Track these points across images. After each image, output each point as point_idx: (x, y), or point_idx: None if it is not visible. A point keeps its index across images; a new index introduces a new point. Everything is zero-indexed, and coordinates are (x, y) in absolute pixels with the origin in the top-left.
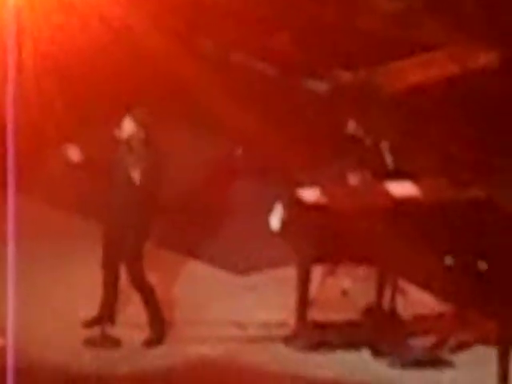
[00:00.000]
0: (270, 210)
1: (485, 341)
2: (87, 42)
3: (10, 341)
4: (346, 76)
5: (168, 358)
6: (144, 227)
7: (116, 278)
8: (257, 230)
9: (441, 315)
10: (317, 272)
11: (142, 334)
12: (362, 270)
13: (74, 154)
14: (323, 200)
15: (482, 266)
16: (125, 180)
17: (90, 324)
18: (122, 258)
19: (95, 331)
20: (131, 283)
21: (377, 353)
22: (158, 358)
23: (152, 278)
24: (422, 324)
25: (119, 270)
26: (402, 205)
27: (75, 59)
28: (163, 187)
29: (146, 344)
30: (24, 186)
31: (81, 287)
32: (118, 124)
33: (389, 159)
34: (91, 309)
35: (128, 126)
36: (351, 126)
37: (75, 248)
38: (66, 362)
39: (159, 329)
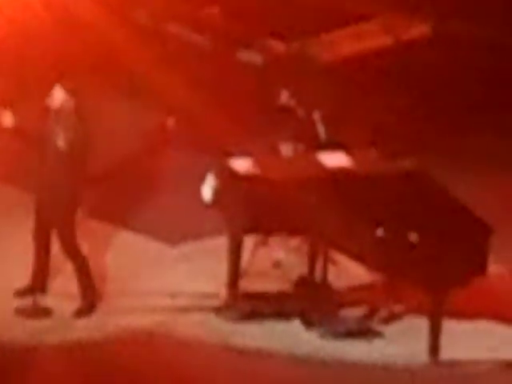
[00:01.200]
0: (202, 181)
1: (416, 312)
2: (19, 11)
3: None
4: (279, 47)
5: (99, 329)
6: (73, 196)
7: (47, 248)
8: (189, 201)
9: (372, 286)
10: (249, 243)
11: (74, 304)
12: (294, 241)
13: (7, 119)
14: (255, 170)
15: (413, 237)
16: (54, 149)
17: (21, 294)
18: (54, 226)
19: (27, 301)
20: (64, 252)
21: (308, 323)
22: (89, 328)
23: (83, 248)
24: (354, 295)
25: (50, 240)
26: (334, 176)
27: (7, 28)
28: (94, 156)
29: (76, 314)
30: None
31: (13, 257)
32: (50, 93)
33: (321, 130)
34: (24, 279)
35: (58, 95)
36: (284, 97)
37: (7, 217)
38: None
39: (90, 299)
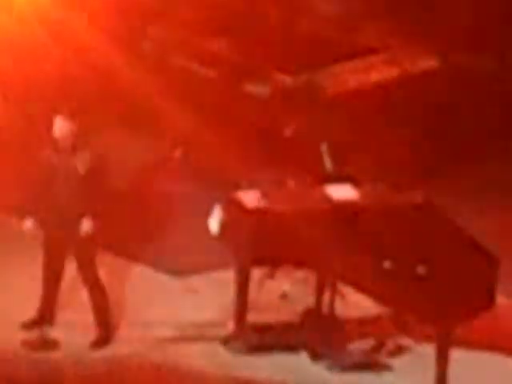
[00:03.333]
0: (209, 213)
1: (423, 344)
2: (26, 42)
3: None
4: (285, 79)
5: (106, 360)
6: (95, 224)
7: (58, 279)
8: (196, 233)
9: (379, 319)
10: (256, 275)
11: (82, 335)
12: (301, 273)
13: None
14: (262, 203)
15: (421, 270)
16: (63, 180)
17: (28, 326)
18: (76, 258)
19: (33, 333)
20: (83, 281)
21: (315, 356)
22: (98, 359)
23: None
24: (361, 327)
25: (62, 271)
26: (340, 208)
27: (14, 59)
28: (103, 188)
29: (93, 345)
30: None
31: (19, 289)
32: (52, 124)
33: (328, 163)
34: (28, 311)
35: (59, 124)
36: (290, 129)
37: (11, 250)
38: (4, 365)
39: (106, 330)
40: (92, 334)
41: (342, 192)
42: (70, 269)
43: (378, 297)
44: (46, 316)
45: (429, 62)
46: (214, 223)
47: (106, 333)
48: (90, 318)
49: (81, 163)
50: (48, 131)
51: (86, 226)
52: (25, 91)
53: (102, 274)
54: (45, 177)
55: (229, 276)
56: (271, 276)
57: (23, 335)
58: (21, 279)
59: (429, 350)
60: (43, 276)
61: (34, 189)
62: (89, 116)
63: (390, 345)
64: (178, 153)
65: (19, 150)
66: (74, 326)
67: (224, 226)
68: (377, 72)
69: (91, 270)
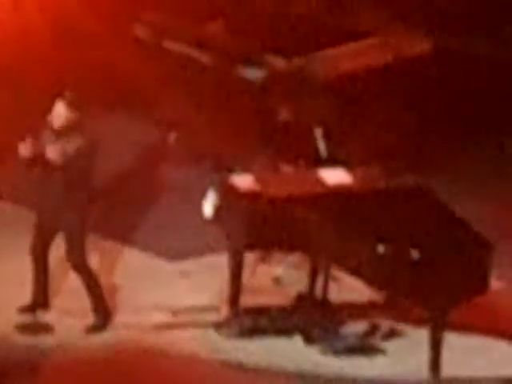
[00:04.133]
0: (202, 197)
1: (417, 328)
2: (20, 27)
3: None
4: (279, 63)
5: (101, 345)
6: (82, 212)
7: (45, 264)
8: (189, 217)
9: (373, 302)
10: (249, 259)
11: (76, 320)
12: (294, 258)
13: (24, 149)
14: (256, 187)
15: (414, 254)
16: (57, 165)
17: (23, 311)
18: (64, 241)
19: (27, 318)
20: (72, 267)
21: (309, 340)
22: (91, 345)
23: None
24: (354, 311)
25: (48, 256)
26: (334, 192)
27: (7, 45)
28: (95, 172)
29: (89, 330)
30: None
31: (12, 274)
32: (51, 108)
33: (322, 146)
34: (23, 296)
35: (60, 110)
36: (284, 113)
37: (6, 235)
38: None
39: (104, 315)
40: (87, 319)
41: (335, 176)
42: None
43: (371, 281)
44: (39, 300)
45: (423, 46)
46: (207, 207)
47: (102, 318)
48: (85, 303)
49: (73, 148)
50: (42, 116)
51: (77, 209)
52: (18, 76)
53: (95, 258)
54: (38, 162)
55: (222, 260)
56: (264, 260)
57: (18, 320)
58: (16, 264)
59: (422, 335)
60: (32, 260)
61: (28, 173)
62: (84, 101)
63: (384, 329)
64: (172, 137)
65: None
66: (69, 311)
67: (217, 209)
68: (371, 56)
69: (80, 254)
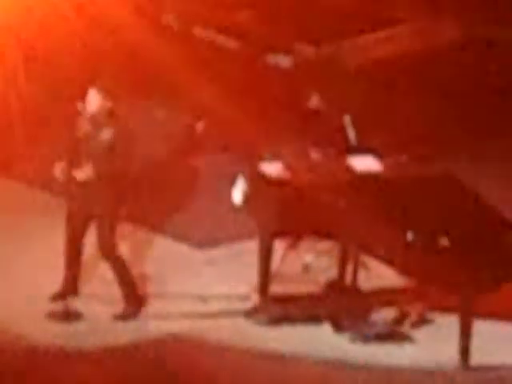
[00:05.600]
0: (232, 184)
1: (446, 316)
2: (50, 15)
3: None
4: (309, 50)
5: (132, 333)
6: (115, 200)
7: (79, 252)
8: (219, 204)
9: (402, 290)
10: (278, 246)
11: (107, 308)
12: (324, 245)
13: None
14: (285, 174)
15: (444, 241)
16: (93, 151)
17: (55, 298)
18: (96, 227)
19: (58, 305)
20: (102, 254)
21: (338, 327)
22: (121, 332)
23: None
24: (384, 298)
25: (83, 243)
26: (363, 180)
27: (37, 32)
28: (129, 160)
29: (120, 318)
30: None
31: (43, 262)
32: (83, 97)
33: (351, 134)
34: (55, 283)
35: (94, 98)
36: (314, 101)
37: (38, 222)
38: (31, 336)
39: (134, 302)
40: (116, 306)
41: (365, 164)
42: (93, 242)
43: (401, 268)
44: (70, 288)
45: (453, 34)
46: (237, 194)
47: (133, 306)
48: (114, 290)
49: (107, 136)
50: (74, 105)
51: (109, 198)
52: (48, 65)
53: (125, 246)
54: (71, 150)
55: (252, 248)
56: (294, 247)
57: (49, 307)
58: (45, 250)
59: (452, 322)
60: (65, 248)
61: (61, 162)
62: (114, 89)
63: (413, 316)
64: (201, 125)
65: (45, 124)
66: (99, 299)
67: (247, 197)
68: (400, 43)
69: (111, 243)
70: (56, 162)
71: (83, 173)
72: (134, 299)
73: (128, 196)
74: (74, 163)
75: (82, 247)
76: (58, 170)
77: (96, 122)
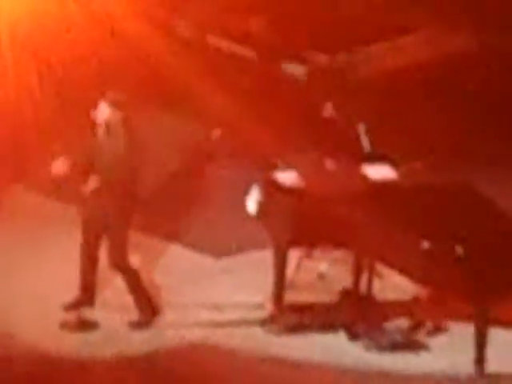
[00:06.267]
0: (247, 193)
1: (462, 324)
2: (64, 24)
3: None
4: (323, 59)
5: (147, 342)
6: (126, 211)
7: (95, 261)
8: (234, 213)
9: (417, 299)
10: (293, 255)
11: (123, 316)
12: (338, 254)
13: (58, 167)
14: (300, 183)
15: (459, 250)
16: (104, 161)
17: (69, 307)
18: (106, 240)
19: (73, 314)
20: (112, 265)
21: (353, 336)
22: (138, 341)
23: (134, 261)
24: (399, 307)
25: (98, 253)
26: (378, 188)
27: (52, 42)
28: (141, 170)
29: (134, 326)
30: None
31: (58, 271)
32: (95, 107)
33: (366, 143)
34: (69, 292)
35: (104, 109)
36: (328, 110)
37: (52, 231)
38: (45, 345)
39: (148, 311)
40: (131, 315)
41: (379, 172)
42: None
43: (416, 277)
44: (85, 298)
45: (466, 43)
46: (251, 203)
47: (146, 315)
48: (129, 299)
49: (118, 147)
50: (87, 115)
51: (121, 209)
52: (63, 76)
53: (140, 256)
54: (84, 160)
55: (266, 257)
56: (309, 256)
57: (63, 317)
58: (60, 262)
59: (467, 331)
60: (81, 258)
61: (74, 172)
62: (128, 98)
63: (428, 324)
64: (216, 133)
65: (58, 134)
66: (114, 308)
67: (262, 206)
68: (414, 52)
69: (121, 254)
70: (55, 160)
71: (89, 185)
72: (148, 308)
73: (141, 206)
74: (85, 172)
75: (98, 257)
76: (56, 167)
77: (108, 131)
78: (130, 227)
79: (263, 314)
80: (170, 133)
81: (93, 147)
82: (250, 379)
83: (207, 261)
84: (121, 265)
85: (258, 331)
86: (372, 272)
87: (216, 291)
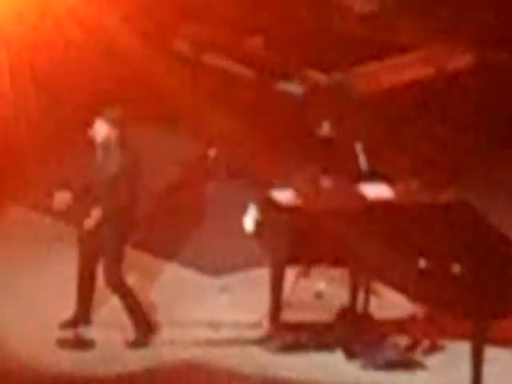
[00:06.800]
0: (243, 212)
1: (458, 342)
2: (61, 43)
3: None
4: (320, 78)
5: (143, 360)
6: (123, 229)
7: (92, 279)
8: (231, 232)
9: (414, 317)
10: (290, 273)
11: (119, 335)
12: (335, 272)
13: (59, 201)
14: (297, 202)
15: (456, 268)
16: (102, 179)
17: (65, 326)
18: (101, 260)
19: (69, 333)
20: (108, 284)
21: (350, 354)
22: (133, 360)
23: (129, 279)
24: (396, 326)
25: (95, 272)
26: (375, 207)
27: (49, 60)
28: (138, 189)
29: (130, 345)
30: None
31: (55, 288)
32: (92, 125)
33: (363, 161)
34: (65, 310)
35: (100, 128)
36: (325, 128)
37: (50, 250)
38: (41, 363)
39: (145, 330)
40: (128, 334)
41: (376, 191)
42: None
43: (412, 296)
44: (81, 316)
45: (464, 60)
46: (248, 222)
47: (143, 334)
48: (126, 318)
49: (115, 168)
50: (84, 132)
51: (116, 229)
52: (58, 94)
53: (136, 274)
54: (81, 177)
55: (263, 275)
56: (306, 275)
57: (59, 334)
58: (57, 279)
59: (463, 349)
60: (78, 276)
61: (71, 189)
62: (125, 115)
63: (425, 343)
64: (212, 152)
65: (53, 151)
66: (111, 326)
67: (259, 224)
68: (412, 70)
69: (117, 274)
70: (55, 191)
71: (92, 220)
72: (145, 327)
73: (138, 224)
74: (82, 194)
75: (95, 275)
76: (58, 199)
77: (105, 151)
78: (126, 245)
79: (260, 332)
80: (166, 150)
81: (92, 171)
82: None
83: (204, 279)
84: (117, 284)
85: (254, 350)
86: (369, 290)
87: (213, 309)
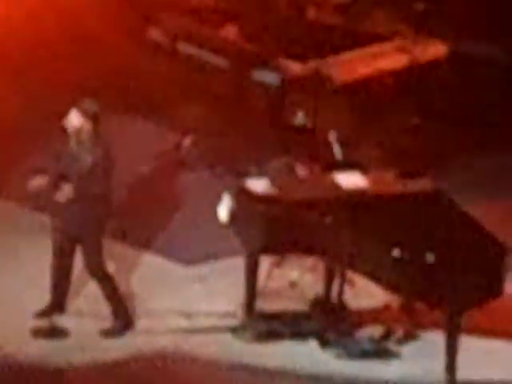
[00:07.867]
0: (218, 201)
1: (432, 331)
2: (35, 33)
3: None
4: (295, 67)
5: (119, 349)
6: (100, 217)
7: (68, 269)
8: (205, 221)
9: (388, 306)
10: (265, 263)
11: (92, 324)
12: (310, 261)
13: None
14: (271, 191)
15: (430, 257)
16: (77, 169)
17: (39, 315)
18: (80, 247)
19: (43, 322)
20: (89, 272)
21: (324, 344)
22: (110, 349)
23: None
24: (370, 315)
25: (71, 262)
26: (349, 196)
27: (23, 51)
28: (113, 178)
29: (106, 334)
30: None
31: (28, 278)
32: (66, 116)
33: (337, 150)
34: (38, 300)
35: (75, 118)
36: (300, 117)
37: (24, 239)
38: (14, 352)
39: (123, 319)
40: (103, 323)
41: (350, 180)
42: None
43: (387, 284)
44: (56, 305)
45: (438, 50)
46: (222, 211)
47: (121, 323)
48: (101, 307)
49: (89, 159)
50: (60, 122)
51: (94, 217)
52: (33, 83)
53: (111, 264)
54: (56, 168)
55: (238, 264)
56: (280, 264)
57: (33, 323)
58: (32, 268)
59: (437, 338)
60: (52, 265)
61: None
62: (99, 106)
63: (399, 332)
64: (187, 141)
65: (33, 142)
66: (86, 315)
67: (233, 213)
68: (386, 60)
69: (98, 261)
70: (31, 176)
71: (63, 194)
72: (123, 316)
73: (113, 214)
74: (56, 181)
75: (71, 265)
76: (34, 183)
77: (79, 141)
78: (103, 235)
79: (235, 321)
80: (141, 140)
81: (66, 156)
82: None
83: (178, 268)
84: (98, 272)
85: (229, 339)
86: (343, 280)
87: (188, 299)
